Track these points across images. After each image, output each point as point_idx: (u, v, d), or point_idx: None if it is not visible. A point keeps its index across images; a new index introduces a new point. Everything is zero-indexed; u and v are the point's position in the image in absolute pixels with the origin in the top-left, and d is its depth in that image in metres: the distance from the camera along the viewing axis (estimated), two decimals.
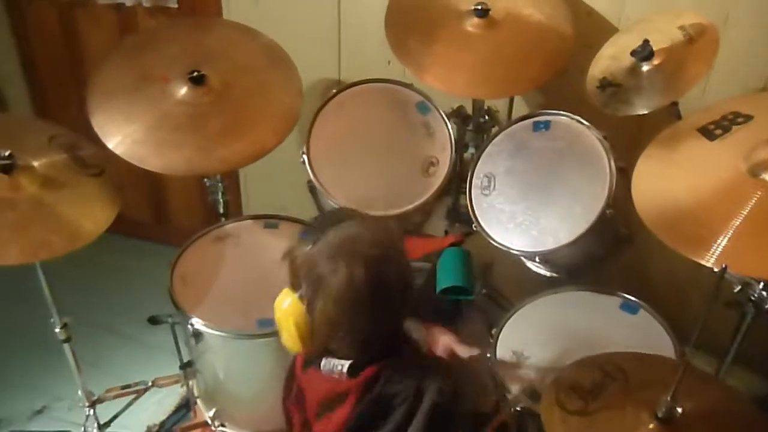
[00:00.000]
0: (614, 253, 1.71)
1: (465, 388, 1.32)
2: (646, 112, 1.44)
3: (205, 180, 2.02)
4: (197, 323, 1.64)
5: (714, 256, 1.20)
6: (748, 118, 1.33)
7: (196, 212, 2.62)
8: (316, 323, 1.13)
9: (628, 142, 1.60)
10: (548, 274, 1.76)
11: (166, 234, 2.58)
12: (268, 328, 1.61)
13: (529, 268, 1.78)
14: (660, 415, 1.19)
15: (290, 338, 1.15)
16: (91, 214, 1.54)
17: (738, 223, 1.21)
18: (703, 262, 1.22)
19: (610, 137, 1.56)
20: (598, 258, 1.70)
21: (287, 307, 1.15)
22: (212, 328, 1.64)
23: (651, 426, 1.20)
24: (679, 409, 1.19)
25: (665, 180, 1.34)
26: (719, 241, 1.21)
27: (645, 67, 1.46)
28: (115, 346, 2.39)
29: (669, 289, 2.09)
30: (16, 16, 2.41)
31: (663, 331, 1.56)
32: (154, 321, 1.91)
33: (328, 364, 1.20)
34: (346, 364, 1.18)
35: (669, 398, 1.18)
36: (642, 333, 1.58)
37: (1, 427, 2.03)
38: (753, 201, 1.21)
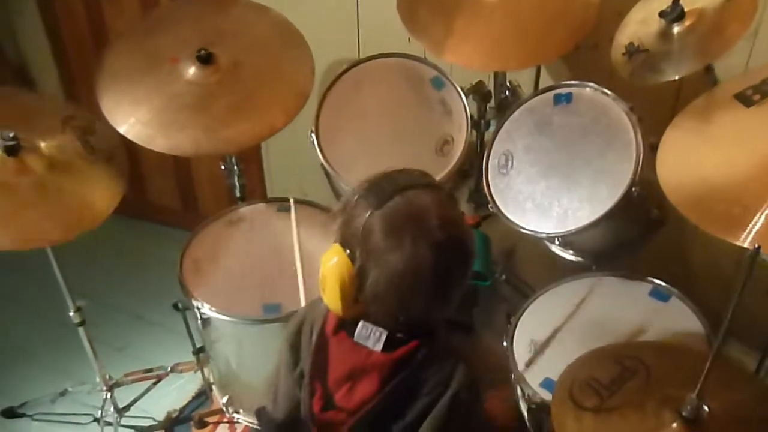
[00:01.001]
0: (645, 236, 1.58)
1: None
2: (676, 77, 1.30)
3: (222, 164, 1.99)
4: (204, 308, 1.61)
5: (750, 236, 1.07)
6: None
7: (223, 199, 2.60)
8: (365, 292, 1.03)
9: (664, 116, 1.45)
10: (574, 259, 1.64)
11: (193, 221, 2.55)
12: (273, 314, 1.57)
13: (554, 254, 1.67)
14: (685, 414, 1.08)
15: (332, 298, 1.05)
16: (94, 202, 1.51)
17: None
18: (738, 243, 1.08)
19: (645, 112, 1.42)
20: (628, 242, 1.58)
21: (334, 265, 1.03)
22: (219, 313, 1.60)
23: (674, 426, 1.09)
24: (707, 408, 1.07)
25: (695, 153, 1.21)
26: (756, 219, 1.07)
27: (676, 29, 1.32)
28: (142, 332, 2.40)
29: (710, 278, 1.93)
30: (45, 4, 2.45)
31: (696, 320, 1.43)
32: (177, 307, 1.90)
33: (364, 330, 1.09)
34: (384, 336, 1.08)
35: (695, 395, 1.06)
36: (673, 322, 1.45)
37: (25, 409, 2.05)
38: None
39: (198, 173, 2.66)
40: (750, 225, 1.08)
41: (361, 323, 1.10)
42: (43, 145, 1.53)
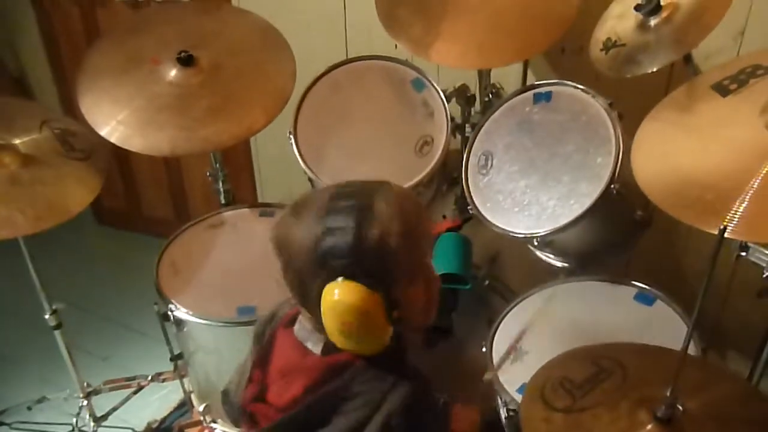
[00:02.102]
0: (630, 239, 1.53)
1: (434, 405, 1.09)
2: (654, 69, 1.27)
3: (207, 172, 1.98)
4: (177, 311, 1.58)
5: (731, 225, 1.01)
6: None
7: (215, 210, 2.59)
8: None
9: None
10: (559, 264, 1.59)
11: None
12: (247, 316, 1.53)
13: (538, 258, 1.62)
14: (659, 414, 1.02)
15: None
16: (66, 196, 1.51)
17: (756, 184, 1.02)
18: (712, 231, 1.03)
19: (633, 110, 1.38)
20: (612, 244, 1.53)
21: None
22: (192, 316, 1.57)
23: (649, 427, 1.02)
24: (681, 408, 1.01)
25: (670, 143, 1.16)
26: (735, 207, 1.02)
27: (652, 22, 1.29)
28: (128, 342, 2.38)
29: (700, 278, 1.87)
30: (43, 15, 2.49)
31: (682, 324, 1.37)
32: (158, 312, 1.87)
33: (302, 330, 1.07)
34: (322, 340, 1.04)
35: (669, 394, 1.00)
36: (658, 325, 1.39)
37: (3, 418, 2.02)
38: None
39: (191, 185, 2.67)
40: (729, 213, 1.03)
41: (299, 321, 1.06)
42: (18, 142, 1.54)
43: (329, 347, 1.04)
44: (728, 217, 0.98)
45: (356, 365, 1.02)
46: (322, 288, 0.96)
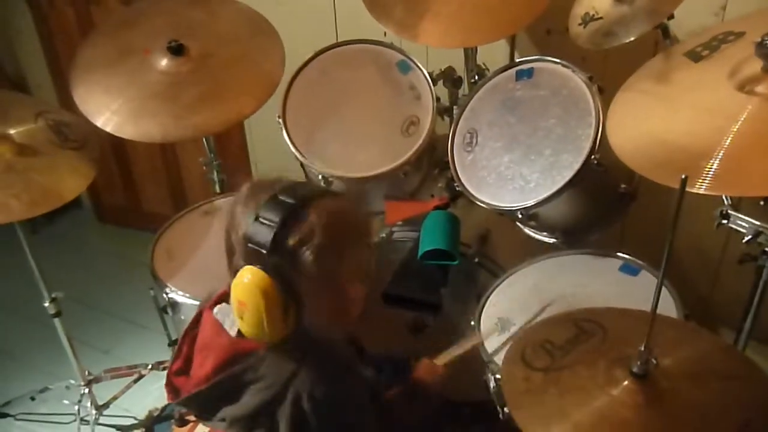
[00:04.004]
0: (614, 212, 1.55)
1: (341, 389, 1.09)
2: (631, 39, 1.29)
3: (201, 159, 2.02)
4: (171, 293, 1.61)
5: (705, 183, 1.03)
6: (740, 35, 1.16)
7: None
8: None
9: None
10: (547, 240, 1.61)
11: None
12: None
13: (527, 236, 1.64)
14: (635, 369, 1.04)
15: None
16: (60, 183, 1.54)
17: (728, 142, 1.04)
18: (694, 191, 1.05)
19: (619, 84, 1.39)
20: (597, 218, 1.55)
21: None
22: (186, 297, 1.60)
23: (625, 383, 1.04)
24: (655, 361, 1.03)
25: (642, 110, 1.19)
26: (709, 164, 1.04)
27: None
28: (128, 335, 2.41)
29: (693, 260, 1.89)
30: (39, 17, 2.54)
31: (666, 293, 1.38)
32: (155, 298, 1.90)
33: (221, 312, 1.12)
34: (237, 324, 1.07)
35: (643, 348, 1.02)
36: (642, 295, 1.39)
37: (8, 409, 2.06)
38: (743, 117, 1.04)
39: (189, 182, 2.70)
40: (704, 171, 1.04)
41: (220, 304, 1.11)
42: (13, 132, 1.58)
43: (240, 332, 1.07)
44: (702, 175, 1.00)
45: (257, 353, 1.06)
46: (239, 268, 1.02)
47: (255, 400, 1.04)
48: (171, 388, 1.16)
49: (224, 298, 1.13)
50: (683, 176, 0.84)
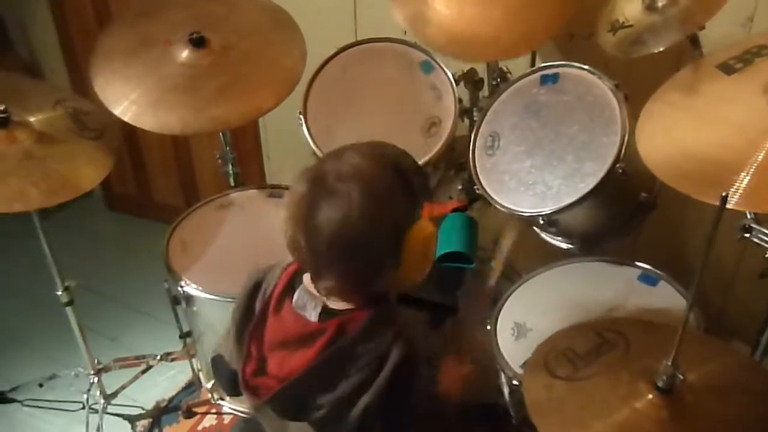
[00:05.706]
0: (633, 220, 1.54)
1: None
2: (660, 49, 1.27)
3: (216, 153, 2.01)
4: (187, 286, 1.60)
5: (735, 198, 1.02)
6: None
7: None
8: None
9: None
10: (564, 245, 1.61)
11: None
12: None
13: (544, 240, 1.64)
14: (660, 384, 1.03)
15: None
16: (78, 172, 1.53)
17: (761, 157, 1.03)
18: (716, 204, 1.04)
19: (642, 96, 1.39)
20: (616, 226, 1.54)
21: None
22: (201, 291, 1.59)
23: (650, 396, 1.04)
24: (681, 376, 1.02)
25: (673, 121, 1.18)
26: (740, 179, 1.03)
27: (660, 3, 1.31)
28: (136, 323, 2.41)
29: (709, 269, 1.87)
30: (56, 3, 2.53)
31: (685, 302, 1.38)
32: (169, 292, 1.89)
33: (300, 299, 1.10)
34: (319, 306, 1.08)
35: (670, 363, 1.02)
36: (661, 305, 1.40)
37: (15, 394, 2.05)
38: None
39: (200, 172, 2.69)
40: (734, 186, 1.03)
41: (298, 291, 1.10)
42: (33, 119, 1.57)
43: (326, 312, 1.07)
44: (732, 189, 0.99)
45: (354, 328, 1.06)
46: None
47: (352, 383, 1.04)
48: (250, 390, 1.14)
49: (287, 289, 1.12)
50: (723, 194, 0.84)
